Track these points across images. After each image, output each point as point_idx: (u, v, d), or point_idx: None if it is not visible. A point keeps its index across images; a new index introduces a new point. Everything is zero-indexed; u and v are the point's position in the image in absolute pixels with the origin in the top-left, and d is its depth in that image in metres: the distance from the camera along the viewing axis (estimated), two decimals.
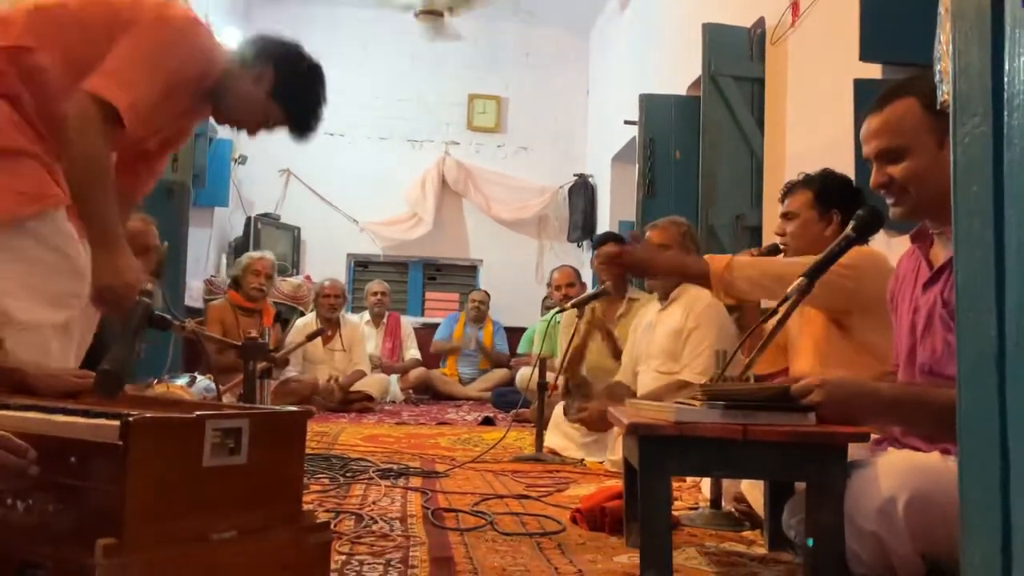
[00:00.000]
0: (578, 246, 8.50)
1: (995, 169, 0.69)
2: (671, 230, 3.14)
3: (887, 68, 3.30)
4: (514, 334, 7.26)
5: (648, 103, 5.52)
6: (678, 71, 5.78)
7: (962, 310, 0.73)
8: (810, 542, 1.37)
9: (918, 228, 1.59)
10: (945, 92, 0.96)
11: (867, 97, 1.60)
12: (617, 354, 3.53)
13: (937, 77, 0.99)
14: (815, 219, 2.28)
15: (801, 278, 1.61)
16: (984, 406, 0.69)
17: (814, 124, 4.04)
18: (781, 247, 2.37)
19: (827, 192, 2.28)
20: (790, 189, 2.37)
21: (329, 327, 5.64)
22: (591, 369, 3.69)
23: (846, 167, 3.26)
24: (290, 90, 2.08)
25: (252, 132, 2.18)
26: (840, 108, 3.55)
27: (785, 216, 2.34)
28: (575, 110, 8.83)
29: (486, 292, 7.54)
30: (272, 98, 2.06)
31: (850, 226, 1.63)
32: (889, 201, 1.54)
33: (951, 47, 0.74)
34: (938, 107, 0.98)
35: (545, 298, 6.72)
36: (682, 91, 5.62)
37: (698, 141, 4.66)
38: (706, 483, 2.16)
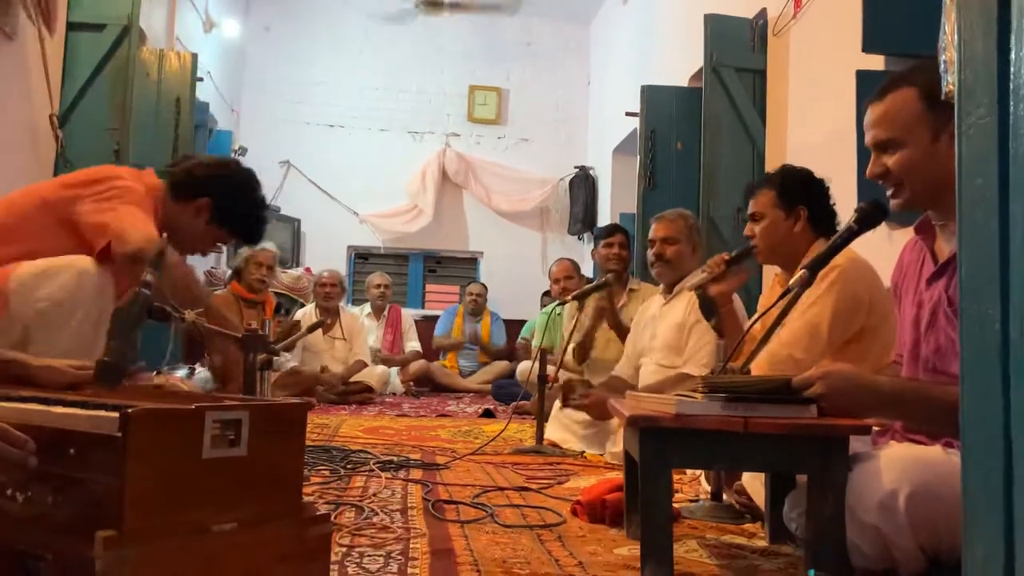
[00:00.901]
0: (579, 239, 8.49)
1: (1000, 160, 0.68)
2: (679, 223, 3.13)
3: (890, 59, 3.27)
4: (514, 326, 7.26)
5: (649, 94, 5.50)
6: (680, 62, 5.76)
7: (965, 303, 0.73)
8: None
9: (921, 220, 1.58)
10: (950, 82, 0.96)
11: (869, 88, 1.59)
12: (624, 333, 3.49)
13: (942, 67, 0.98)
14: (781, 218, 2.25)
15: (803, 271, 1.61)
16: (987, 400, 0.68)
17: (816, 116, 4.03)
18: (753, 247, 2.35)
19: (789, 189, 2.25)
20: (751, 191, 2.34)
21: (329, 316, 5.66)
22: (596, 360, 3.69)
23: (848, 159, 3.25)
24: (228, 213, 2.38)
25: (206, 253, 2.52)
26: (842, 100, 3.53)
27: (752, 217, 2.32)
28: (576, 101, 8.81)
29: (483, 285, 7.53)
30: (213, 223, 2.37)
31: (852, 218, 1.63)
32: (888, 193, 1.53)
33: (956, 37, 0.73)
34: (943, 97, 0.98)
35: (545, 293, 6.70)
36: (684, 82, 5.60)
37: (699, 133, 4.65)
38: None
